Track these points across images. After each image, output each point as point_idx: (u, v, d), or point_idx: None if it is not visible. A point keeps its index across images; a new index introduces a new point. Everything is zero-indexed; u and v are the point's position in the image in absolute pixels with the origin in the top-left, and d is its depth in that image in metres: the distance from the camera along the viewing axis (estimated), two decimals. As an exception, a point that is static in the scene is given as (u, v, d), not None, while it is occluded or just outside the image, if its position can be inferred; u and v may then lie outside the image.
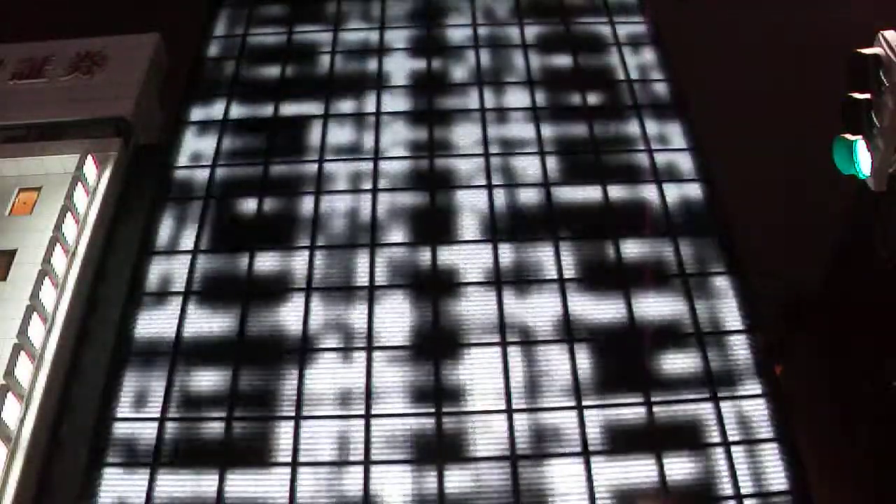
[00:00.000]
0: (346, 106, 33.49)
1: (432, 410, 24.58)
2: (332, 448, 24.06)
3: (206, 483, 23.45)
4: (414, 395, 24.97)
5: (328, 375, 25.49)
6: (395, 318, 26.66)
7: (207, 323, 26.89)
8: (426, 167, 30.98)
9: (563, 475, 23.32)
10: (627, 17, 36.90)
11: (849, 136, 24.55)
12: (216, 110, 33.61)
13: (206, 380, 25.51)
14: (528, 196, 29.85)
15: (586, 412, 24.38)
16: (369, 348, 25.96)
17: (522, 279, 27.42)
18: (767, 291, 28.79)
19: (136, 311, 27.29)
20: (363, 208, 29.69)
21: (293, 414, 24.70)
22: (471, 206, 29.58)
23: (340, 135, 32.33)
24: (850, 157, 24.77)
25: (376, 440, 24.06)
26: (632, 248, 28.24)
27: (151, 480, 23.58)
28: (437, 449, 23.89)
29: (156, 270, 28.34)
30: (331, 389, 25.16)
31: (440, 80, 34.27)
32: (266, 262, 28.38)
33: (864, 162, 24.62)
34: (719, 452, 23.64)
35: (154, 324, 27.01)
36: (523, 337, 26.04)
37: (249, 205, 30.10)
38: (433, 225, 29.02)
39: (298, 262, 28.25)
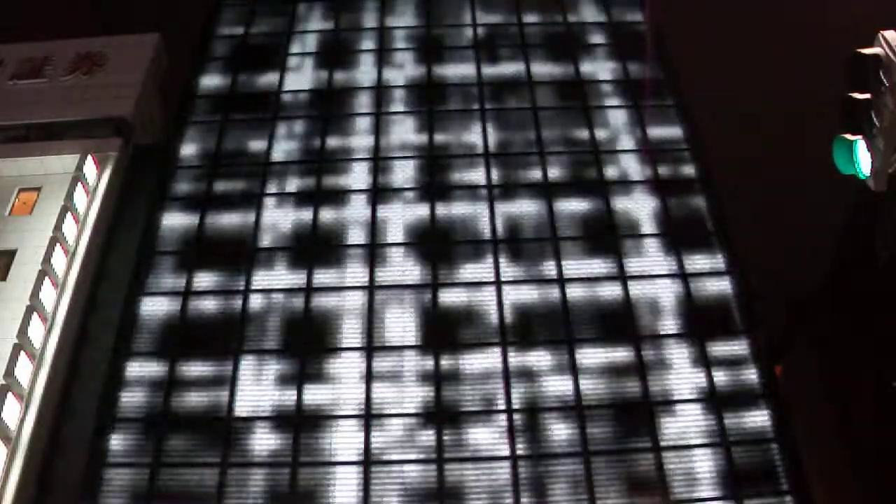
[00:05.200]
0: (346, 106, 33.49)
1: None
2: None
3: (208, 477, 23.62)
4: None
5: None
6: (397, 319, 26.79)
7: (206, 322, 26.93)
8: (426, 167, 31.08)
9: (564, 476, 23.36)
10: (627, 15, 37.00)
11: (849, 136, 24.59)
12: (216, 110, 33.62)
13: (205, 379, 25.59)
14: (528, 198, 29.93)
15: (586, 413, 24.40)
16: (369, 348, 26.04)
17: (523, 279, 27.53)
18: (767, 291, 28.78)
19: (135, 311, 27.30)
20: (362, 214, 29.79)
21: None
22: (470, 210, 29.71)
23: (339, 134, 32.35)
24: (850, 157, 24.80)
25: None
26: (631, 248, 28.28)
27: (152, 479, 23.61)
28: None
29: (156, 270, 28.40)
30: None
31: (440, 81, 34.32)
32: (263, 265, 28.50)
33: (864, 162, 24.65)
34: (719, 453, 23.65)
35: (154, 323, 27.03)
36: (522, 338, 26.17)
37: (247, 206, 30.15)
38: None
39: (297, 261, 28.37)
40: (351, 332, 26.40)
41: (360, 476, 23.43)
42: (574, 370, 25.27)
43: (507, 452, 23.79)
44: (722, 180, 30.53)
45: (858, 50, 24.02)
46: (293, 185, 30.76)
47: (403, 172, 30.91)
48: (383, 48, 35.78)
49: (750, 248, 28.98)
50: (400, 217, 29.41)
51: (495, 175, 30.57)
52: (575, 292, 27.10)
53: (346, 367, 25.67)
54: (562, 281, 27.38)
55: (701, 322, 26.36)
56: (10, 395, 24.94)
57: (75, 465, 24.47)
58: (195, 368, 25.86)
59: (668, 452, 23.62)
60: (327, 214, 29.65)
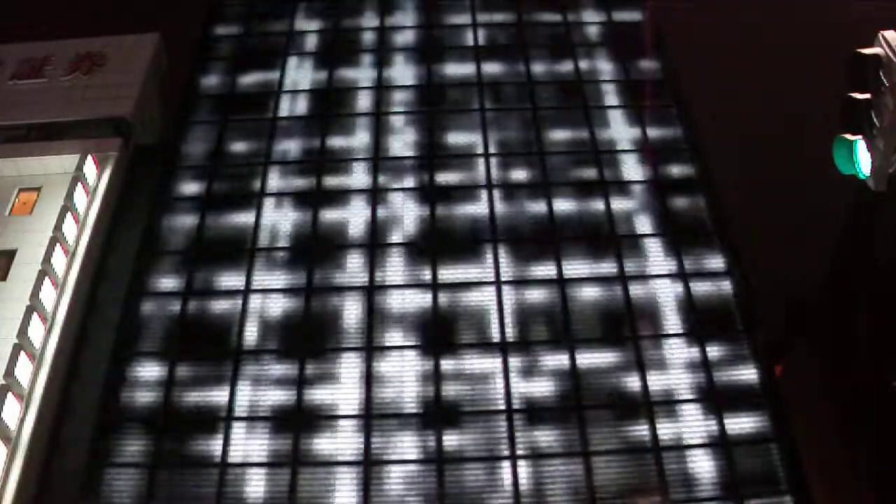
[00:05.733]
0: (346, 106, 33.47)
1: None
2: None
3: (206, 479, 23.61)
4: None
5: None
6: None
7: (206, 322, 26.95)
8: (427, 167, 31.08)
9: (564, 476, 23.36)
10: (627, 16, 37.00)
11: (849, 136, 24.62)
12: (216, 110, 33.62)
13: (205, 379, 25.59)
14: (528, 198, 29.91)
15: (586, 413, 24.40)
16: (369, 349, 26.05)
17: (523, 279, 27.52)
18: (767, 291, 28.77)
19: (135, 312, 27.29)
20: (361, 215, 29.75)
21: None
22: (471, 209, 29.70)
23: (339, 134, 32.34)
24: (850, 157, 24.85)
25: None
26: (631, 248, 28.27)
27: (152, 480, 23.61)
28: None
29: (156, 270, 28.40)
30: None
31: (440, 81, 34.32)
32: (263, 265, 28.51)
33: (864, 162, 24.69)
34: (719, 453, 23.64)
35: (154, 323, 27.03)
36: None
37: (247, 206, 30.14)
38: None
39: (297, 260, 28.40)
40: (351, 333, 26.41)
41: (359, 477, 23.43)
42: (574, 370, 25.27)
43: (507, 453, 23.80)
44: (722, 180, 30.52)
45: (858, 50, 24.06)
46: (293, 185, 30.76)
47: (403, 172, 30.90)
48: (383, 48, 35.81)
49: (750, 248, 28.97)
50: (400, 217, 29.41)
51: (495, 175, 30.57)
52: (575, 292, 27.10)
53: (346, 367, 25.67)
54: (562, 281, 27.39)
55: (701, 322, 26.36)
56: (10, 395, 24.95)
57: (75, 465, 24.47)
58: (195, 368, 25.86)
59: (667, 453, 23.63)
60: (327, 214, 29.65)
